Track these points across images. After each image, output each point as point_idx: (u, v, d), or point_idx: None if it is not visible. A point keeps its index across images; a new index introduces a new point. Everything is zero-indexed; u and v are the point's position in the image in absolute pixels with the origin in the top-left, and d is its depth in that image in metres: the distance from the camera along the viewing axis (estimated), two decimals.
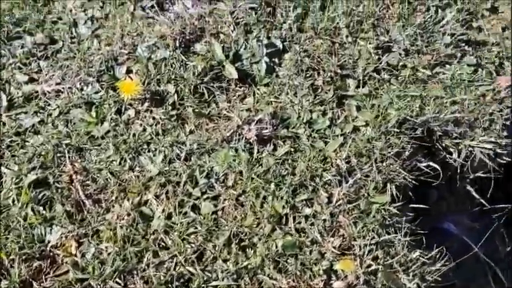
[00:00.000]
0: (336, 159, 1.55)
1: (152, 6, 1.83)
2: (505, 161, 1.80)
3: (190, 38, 1.76)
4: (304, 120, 1.63)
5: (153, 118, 1.60)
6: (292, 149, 1.55)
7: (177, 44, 1.72)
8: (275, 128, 1.58)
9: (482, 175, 1.77)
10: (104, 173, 1.47)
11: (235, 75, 1.68)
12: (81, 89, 1.67)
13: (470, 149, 1.77)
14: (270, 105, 1.67)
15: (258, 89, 1.71)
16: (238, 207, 1.41)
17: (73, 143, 1.54)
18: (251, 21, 1.79)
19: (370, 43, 1.85)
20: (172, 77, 1.68)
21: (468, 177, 1.82)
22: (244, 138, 1.53)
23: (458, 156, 1.76)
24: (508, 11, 2.17)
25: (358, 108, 1.70)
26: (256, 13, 1.81)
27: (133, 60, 1.73)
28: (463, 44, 1.98)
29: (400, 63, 1.85)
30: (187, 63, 1.70)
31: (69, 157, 1.50)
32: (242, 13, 1.80)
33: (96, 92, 1.66)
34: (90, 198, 1.42)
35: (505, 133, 1.82)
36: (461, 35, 1.98)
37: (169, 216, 1.39)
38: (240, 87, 1.71)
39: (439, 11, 2.03)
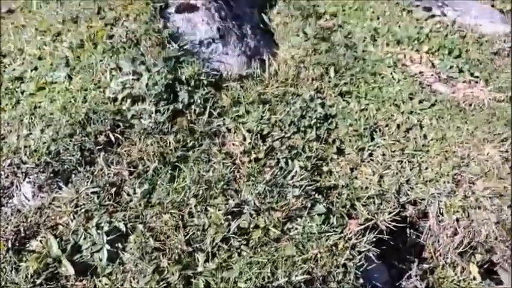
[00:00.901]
0: None
1: None
2: None
3: (26, 234, 1.68)
4: None
5: None
6: None
7: (10, 245, 1.63)
8: None
9: None
10: None
11: (71, 271, 1.59)
12: None
13: None
14: None
15: (100, 281, 1.62)
16: None
17: None
18: (93, 207, 1.76)
19: (219, 209, 1.87)
20: (2, 283, 1.56)
21: None
22: None
23: None
24: (353, 152, 2.36)
25: (207, 286, 1.66)
26: (98, 197, 1.79)
27: None
28: (313, 193, 2.07)
29: (252, 225, 1.87)
30: (19, 265, 1.60)
31: None
32: (83, 199, 1.78)
33: None
34: None
35: (361, 281, 1.85)
36: (310, 184, 2.08)
37: None
38: (81, 280, 1.62)
39: (289, 161, 2.15)
